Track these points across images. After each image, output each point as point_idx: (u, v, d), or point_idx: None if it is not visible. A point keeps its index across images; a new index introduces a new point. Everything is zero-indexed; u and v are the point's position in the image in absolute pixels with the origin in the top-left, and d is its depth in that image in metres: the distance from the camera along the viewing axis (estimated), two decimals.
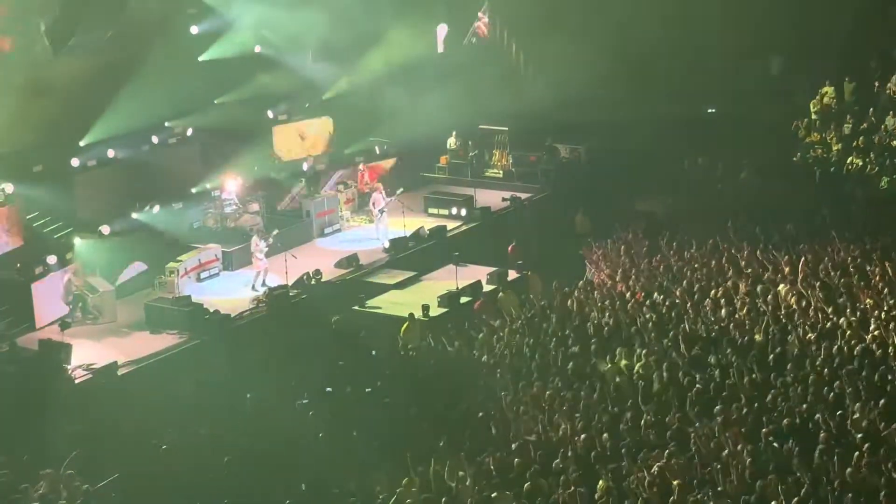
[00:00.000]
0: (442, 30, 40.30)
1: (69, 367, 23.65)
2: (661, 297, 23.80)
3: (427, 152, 37.71)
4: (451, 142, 38.19)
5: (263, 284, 28.41)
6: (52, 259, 26.59)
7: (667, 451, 16.97)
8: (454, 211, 33.84)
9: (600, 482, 16.57)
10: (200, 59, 34.57)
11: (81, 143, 30.90)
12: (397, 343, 23.51)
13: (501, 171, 37.35)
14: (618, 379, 20.11)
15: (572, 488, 16.39)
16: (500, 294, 26.99)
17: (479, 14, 38.92)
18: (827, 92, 36.79)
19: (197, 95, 34.34)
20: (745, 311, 22.47)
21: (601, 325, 22.65)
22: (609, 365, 20.65)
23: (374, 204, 32.47)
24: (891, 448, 16.41)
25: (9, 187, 28.06)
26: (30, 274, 26.27)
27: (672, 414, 18.29)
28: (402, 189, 33.38)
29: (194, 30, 34.96)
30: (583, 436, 17.88)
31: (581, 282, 26.54)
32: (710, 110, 39.38)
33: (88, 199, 30.62)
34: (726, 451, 16.83)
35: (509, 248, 31.00)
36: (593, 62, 38.40)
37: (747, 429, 17.46)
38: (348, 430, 19.74)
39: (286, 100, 36.91)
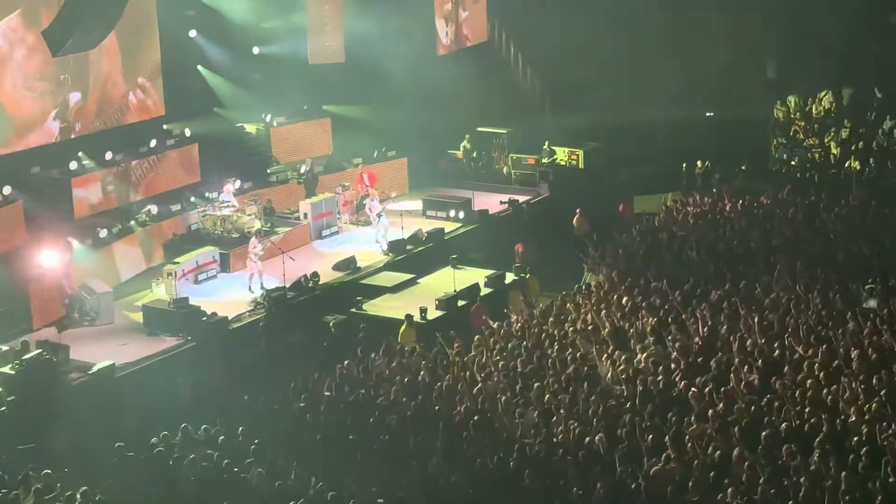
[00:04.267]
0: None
1: (66, 368, 23.65)
2: (659, 300, 23.77)
3: (427, 155, 37.78)
4: (465, 145, 38.28)
5: (262, 287, 28.39)
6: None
7: (664, 454, 16.97)
8: (452, 213, 33.85)
9: (598, 484, 16.57)
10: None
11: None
12: (395, 346, 23.47)
13: (514, 173, 37.44)
14: (615, 382, 20.09)
15: (573, 490, 16.44)
16: (511, 293, 26.94)
17: None
18: (825, 95, 36.93)
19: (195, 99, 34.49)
20: (743, 315, 22.42)
21: (599, 328, 22.64)
22: (607, 368, 20.63)
23: (370, 209, 32.51)
24: (890, 452, 16.40)
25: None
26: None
27: (670, 417, 18.28)
28: (395, 194, 33.44)
29: (192, 33, 35.03)
30: (581, 439, 17.88)
31: (579, 284, 26.51)
32: (708, 114, 39.48)
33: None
34: (721, 453, 16.84)
35: (517, 247, 31.04)
36: (593, 63, 38.55)
37: (745, 432, 17.44)
38: (344, 433, 19.71)
39: (284, 102, 36.95)
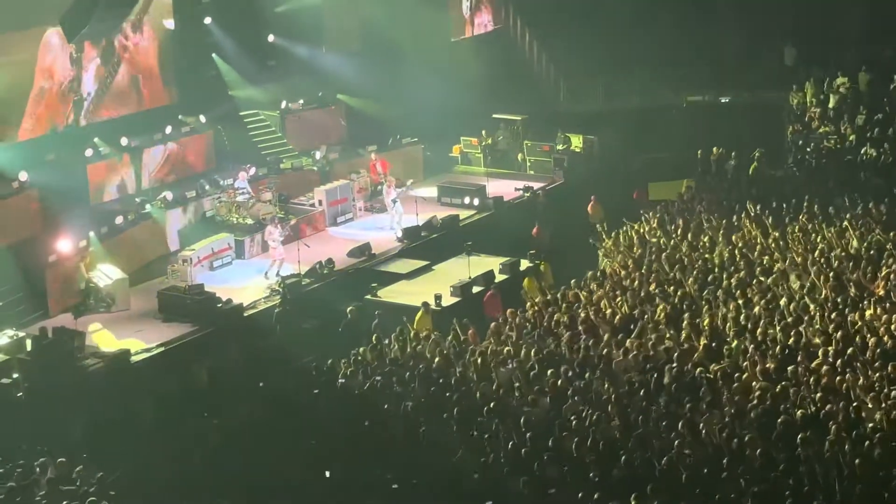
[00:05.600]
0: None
1: (82, 355, 23.74)
2: (673, 287, 23.73)
3: (442, 142, 37.75)
4: (499, 134, 38.21)
5: (277, 274, 28.42)
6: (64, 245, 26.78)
7: (678, 440, 16.97)
8: (466, 200, 33.83)
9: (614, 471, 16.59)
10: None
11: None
12: (409, 332, 23.48)
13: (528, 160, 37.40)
14: (629, 369, 20.08)
15: (588, 475, 16.47)
16: (525, 280, 26.94)
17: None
18: (843, 83, 36.77)
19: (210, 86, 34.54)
20: (758, 301, 22.39)
21: (613, 315, 22.62)
22: (621, 355, 20.62)
23: (385, 195, 32.56)
24: None
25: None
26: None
27: (684, 404, 18.26)
28: (411, 181, 33.45)
29: (207, 20, 35.04)
30: (596, 425, 17.89)
31: (593, 271, 26.48)
32: (723, 100, 39.37)
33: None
34: (737, 441, 16.84)
35: (534, 231, 31.01)
36: (606, 50, 38.46)
37: (759, 419, 17.42)
38: (360, 418, 19.77)
39: (299, 89, 36.95)
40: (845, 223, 26.72)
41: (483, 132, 38.21)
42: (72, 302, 26.59)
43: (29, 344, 23.40)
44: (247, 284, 28.46)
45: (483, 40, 40.83)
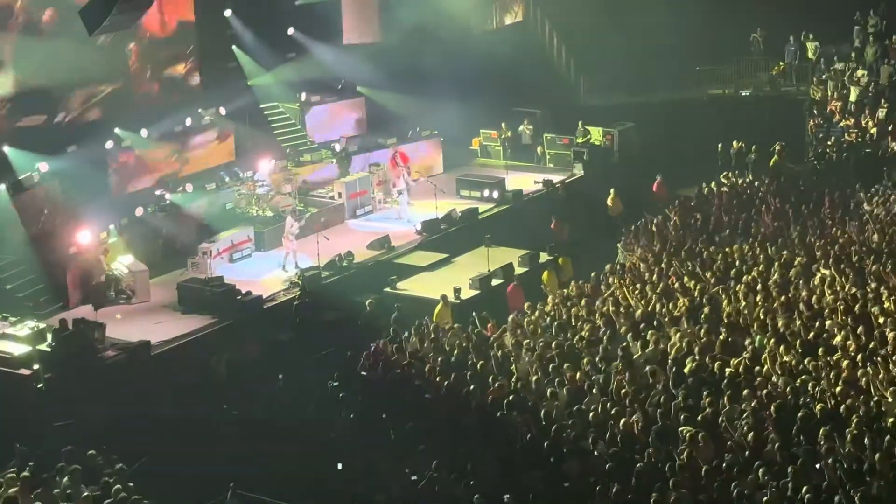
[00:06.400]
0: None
1: (102, 346, 23.81)
2: (693, 281, 23.68)
3: (464, 135, 37.71)
4: (524, 128, 38.19)
5: (296, 266, 28.45)
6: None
7: (698, 435, 16.94)
8: (486, 193, 33.82)
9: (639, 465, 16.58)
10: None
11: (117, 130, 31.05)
12: (428, 325, 23.48)
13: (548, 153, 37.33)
14: (648, 363, 20.04)
15: (607, 468, 16.46)
16: (545, 273, 26.90)
17: None
18: (863, 75, 36.63)
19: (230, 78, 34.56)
20: (777, 296, 22.32)
21: (632, 309, 22.58)
22: (640, 349, 20.59)
23: (393, 185, 32.69)
24: None
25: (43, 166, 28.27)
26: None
27: (704, 398, 18.22)
28: (417, 178, 33.54)
29: (227, 13, 35.08)
30: (615, 419, 17.88)
31: (612, 265, 26.44)
32: (743, 93, 39.25)
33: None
34: (755, 434, 16.80)
35: (552, 225, 30.98)
36: (627, 42, 38.36)
37: (779, 413, 17.37)
38: (378, 412, 19.81)
39: (318, 81, 36.94)
40: (866, 217, 26.61)
41: (503, 125, 38.15)
42: (92, 294, 26.65)
43: (49, 336, 23.46)
44: (266, 277, 28.50)
45: (503, 33, 40.74)
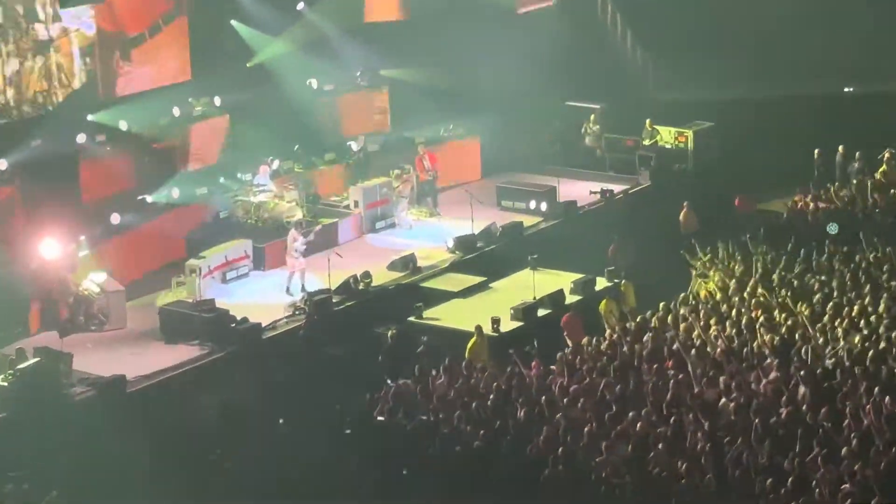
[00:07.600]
0: None
1: (69, 381, 23.95)
2: (783, 315, 23.64)
3: (506, 134, 37.76)
4: (589, 126, 38.24)
5: (302, 289, 28.56)
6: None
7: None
8: (532, 205, 33.84)
9: None
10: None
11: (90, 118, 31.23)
12: (460, 362, 23.52)
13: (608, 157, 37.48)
14: (727, 412, 20.03)
15: None
16: (603, 302, 26.90)
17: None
18: None
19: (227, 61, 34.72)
20: (884, 333, 22.27)
21: (708, 347, 22.56)
22: (717, 395, 20.57)
23: (400, 190, 32.94)
24: None
25: None
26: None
27: (790, 458, 18.19)
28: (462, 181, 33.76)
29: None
30: (687, 478, 17.90)
31: (684, 294, 26.43)
32: (847, 89, 39.18)
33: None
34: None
35: (610, 250, 30.98)
36: (706, 27, 38.34)
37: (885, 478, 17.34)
38: (398, 467, 19.87)
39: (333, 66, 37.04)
40: None
41: (556, 123, 38.25)
42: (58, 318, 26.80)
43: (6, 368, 23.60)
44: (266, 301, 28.62)
45: (552, 11, 40.73)
